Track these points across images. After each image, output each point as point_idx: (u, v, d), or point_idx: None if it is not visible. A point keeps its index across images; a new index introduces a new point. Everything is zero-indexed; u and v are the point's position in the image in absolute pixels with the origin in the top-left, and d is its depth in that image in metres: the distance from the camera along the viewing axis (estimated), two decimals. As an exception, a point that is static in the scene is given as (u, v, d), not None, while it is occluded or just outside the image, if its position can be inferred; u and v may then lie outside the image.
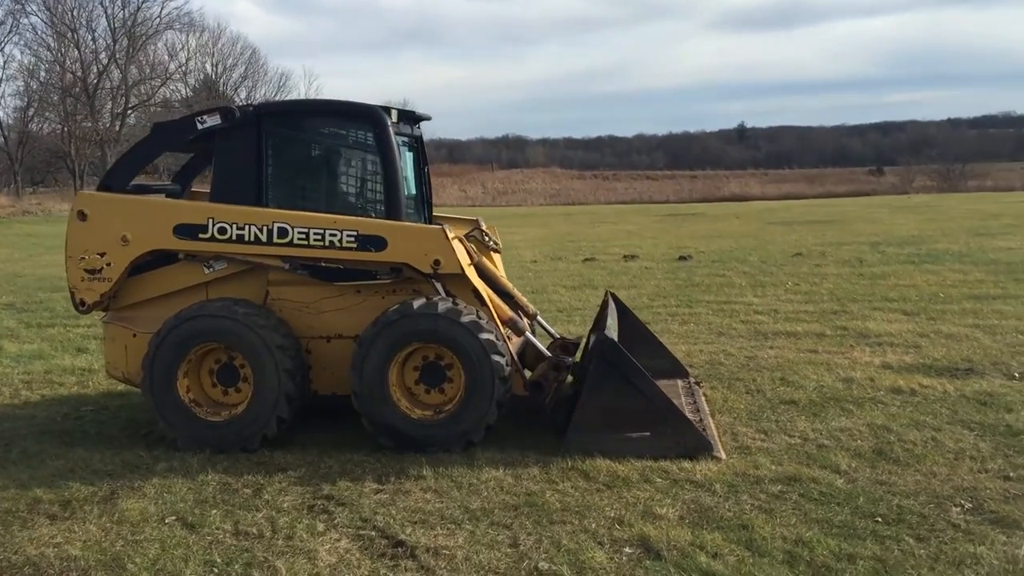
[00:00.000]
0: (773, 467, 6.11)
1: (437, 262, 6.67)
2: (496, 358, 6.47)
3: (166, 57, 54.84)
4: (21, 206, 39.81)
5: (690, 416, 6.77)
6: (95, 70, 50.44)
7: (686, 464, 6.17)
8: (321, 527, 5.35)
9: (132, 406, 8.27)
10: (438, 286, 6.73)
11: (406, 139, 7.34)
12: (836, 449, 6.46)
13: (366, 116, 6.99)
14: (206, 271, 7.00)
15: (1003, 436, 6.64)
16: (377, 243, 6.68)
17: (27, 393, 8.79)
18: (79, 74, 49.82)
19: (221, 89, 60.08)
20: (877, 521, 5.20)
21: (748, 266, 17.19)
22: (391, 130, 6.94)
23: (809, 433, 6.85)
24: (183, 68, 56.27)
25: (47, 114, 51.57)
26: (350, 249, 6.70)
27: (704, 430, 6.63)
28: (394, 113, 7.05)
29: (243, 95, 61.68)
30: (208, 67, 59.41)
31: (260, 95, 61.95)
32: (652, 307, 12.66)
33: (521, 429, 6.95)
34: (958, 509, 5.35)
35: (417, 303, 6.52)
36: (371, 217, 6.96)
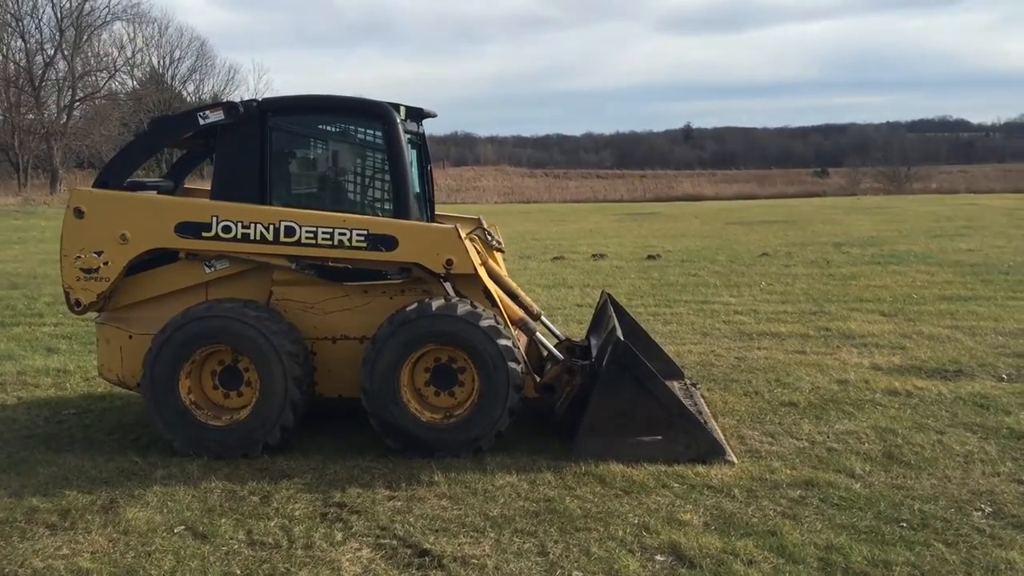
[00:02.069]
0: (788, 471, 6.09)
1: (449, 262, 6.54)
2: (512, 365, 6.36)
3: (113, 50, 53.54)
4: (-37, 200, 38.53)
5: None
6: (40, 61, 49.06)
7: (700, 469, 6.12)
8: (339, 536, 5.19)
9: (115, 409, 8.01)
10: (448, 287, 6.59)
11: (411, 136, 7.17)
12: (846, 453, 6.46)
13: (375, 113, 6.81)
14: (207, 270, 6.77)
15: (1007, 439, 6.71)
16: (388, 242, 6.52)
17: (2, 395, 8.45)
18: (23, 64, 48.39)
19: (169, 82, 58.88)
20: (902, 526, 5.19)
21: (718, 266, 17.28)
22: (400, 128, 6.78)
23: (816, 436, 6.85)
24: (131, 61, 54.99)
25: (-11, 105, 50.03)
26: (360, 248, 6.53)
27: (714, 433, 6.59)
28: (402, 110, 6.89)
29: (191, 88, 60.61)
30: (155, 59, 58.17)
31: (208, 88, 60.91)
32: (631, 306, 12.58)
33: (527, 433, 6.84)
34: (979, 513, 5.37)
35: (436, 304, 6.38)
36: (378, 216, 6.80)
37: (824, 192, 56.48)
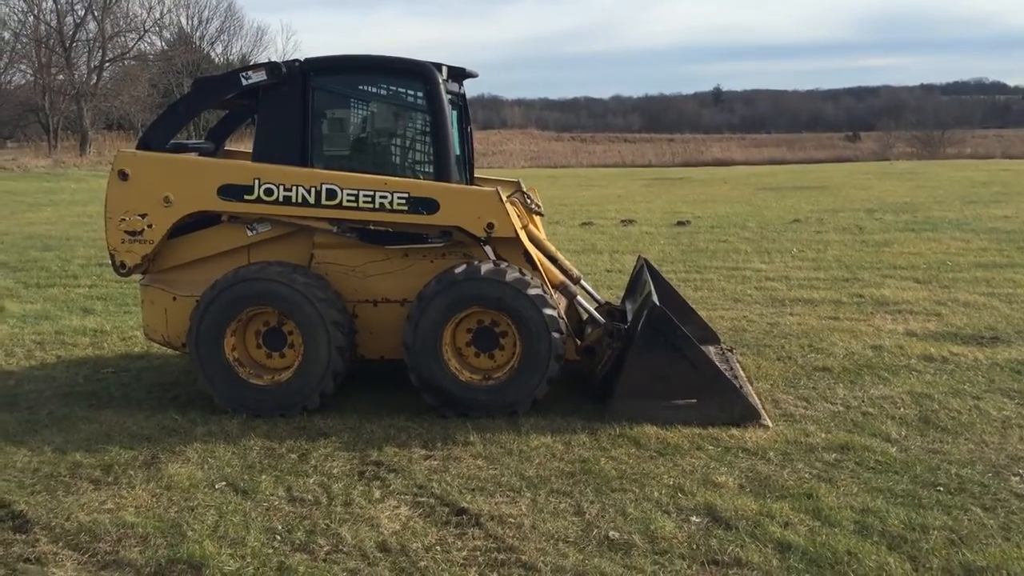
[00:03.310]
0: (823, 435, 6.08)
1: (491, 225, 6.54)
2: (555, 335, 6.38)
3: (142, 11, 53.52)
4: (-5, 161, 38.81)
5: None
6: (71, 21, 49.13)
7: (735, 431, 6.14)
8: (377, 494, 5.26)
9: (153, 368, 8.12)
10: (489, 250, 6.60)
11: (452, 97, 7.13)
12: (882, 417, 6.44)
13: (417, 73, 6.79)
14: (249, 233, 6.82)
15: (1045, 405, 6.66)
16: (429, 205, 6.53)
17: (42, 354, 8.59)
18: (54, 25, 48.52)
19: (197, 43, 58.86)
20: (939, 490, 5.18)
21: (749, 232, 17.14)
22: (442, 88, 6.75)
23: (851, 401, 6.83)
24: (160, 22, 54.97)
25: (20, 66, 50.30)
26: (401, 212, 6.54)
27: (749, 397, 6.59)
28: (444, 70, 6.86)
29: (219, 50, 60.57)
30: (184, 20, 58.13)
31: (236, 50, 60.83)
32: (662, 272, 12.54)
33: (561, 395, 6.85)
34: (1017, 479, 5.35)
35: (485, 267, 6.40)
36: (419, 178, 6.80)
37: (856, 157, 55.58)
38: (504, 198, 6.64)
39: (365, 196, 6.53)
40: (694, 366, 6.35)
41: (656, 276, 7.97)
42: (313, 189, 6.55)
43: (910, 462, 5.61)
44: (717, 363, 7.39)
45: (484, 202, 6.59)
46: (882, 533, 4.67)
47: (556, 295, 6.91)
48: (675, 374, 6.34)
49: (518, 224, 6.75)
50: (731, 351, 8.07)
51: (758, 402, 6.65)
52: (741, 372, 7.38)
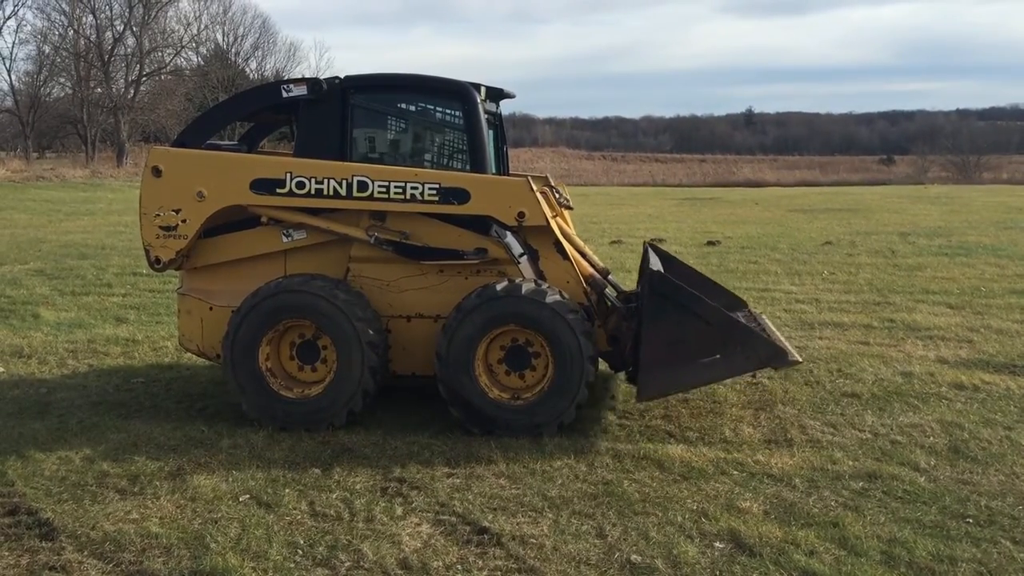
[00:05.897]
0: (850, 463, 6.01)
1: (521, 214, 6.57)
2: (588, 363, 6.38)
3: (179, 27, 54.38)
4: (34, 171, 39.34)
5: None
6: (110, 36, 50.03)
7: (760, 457, 6.09)
8: (399, 511, 5.26)
9: (182, 379, 8.19)
10: (527, 269, 6.58)
11: (488, 116, 7.17)
12: (910, 446, 6.35)
13: (456, 93, 6.86)
14: (284, 239, 6.88)
15: (1078, 437, 6.54)
16: (460, 195, 6.56)
17: (74, 363, 8.70)
18: (94, 39, 49.42)
19: (232, 59, 59.62)
20: (968, 522, 5.10)
21: (779, 253, 17.02)
22: (480, 108, 6.82)
23: (879, 428, 6.75)
24: (196, 38, 55.77)
25: (60, 79, 51.24)
26: (432, 202, 6.58)
27: (774, 340, 6.53)
28: (483, 90, 6.93)
29: (253, 65, 61.30)
30: (219, 37, 58.92)
31: (270, 65, 61.55)
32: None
33: (585, 415, 6.83)
34: (1048, 512, 5.26)
35: (526, 286, 6.41)
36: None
37: (890, 180, 55.13)
38: (534, 187, 6.66)
39: (396, 187, 6.57)
40: (707, 322, 6.28)
41: (667, 258, 7.96)
42: (344, 181, 6.59)
43: (939, 492, 5.53)
44: (727, 312, 7.23)
45: (515, 191, 6.63)
46: (909, 564, 4.60)
47: (586, 288, 6.93)
48: (690, 334, 6.27)
49: (548, 212, 6.76)
50: (761, 315, 8.02)
51: (786, 344, 6.56)
52: (770, 324, 7.36)
